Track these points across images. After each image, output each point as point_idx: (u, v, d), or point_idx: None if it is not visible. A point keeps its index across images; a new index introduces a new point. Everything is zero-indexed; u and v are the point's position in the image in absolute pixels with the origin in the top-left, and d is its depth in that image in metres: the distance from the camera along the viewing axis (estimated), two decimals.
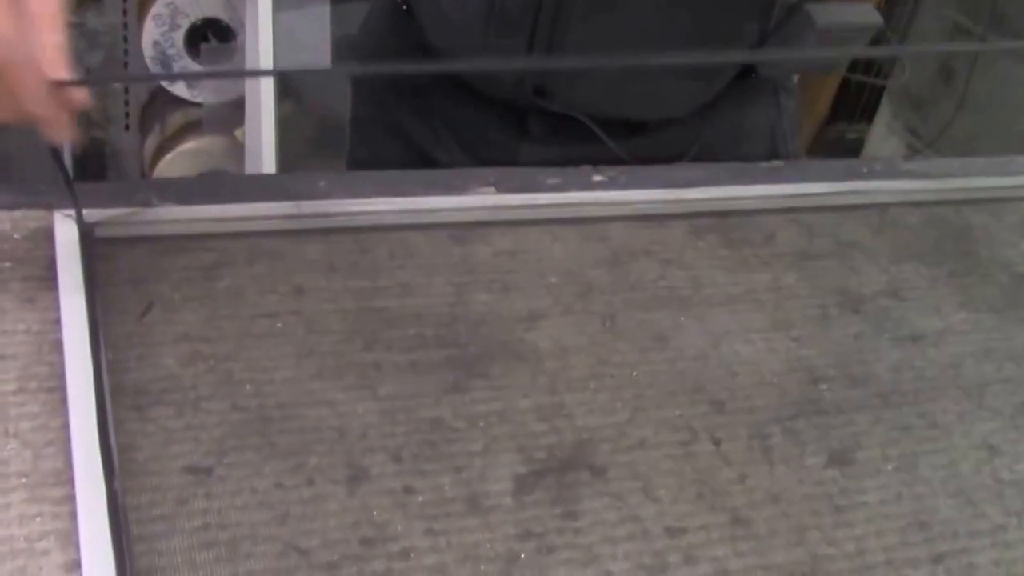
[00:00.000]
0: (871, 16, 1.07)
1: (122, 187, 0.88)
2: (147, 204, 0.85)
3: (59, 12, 0.71)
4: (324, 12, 2.01)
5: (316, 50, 2.00)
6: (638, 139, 1.13)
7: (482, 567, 0.68)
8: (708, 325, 0.89)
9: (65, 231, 0.80)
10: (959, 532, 0.78)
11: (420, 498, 0.71)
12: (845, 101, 3.07)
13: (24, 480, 0.66)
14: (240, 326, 0.79)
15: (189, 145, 2.21)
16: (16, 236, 0.81)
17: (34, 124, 0.71)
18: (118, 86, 2.28)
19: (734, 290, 0.93)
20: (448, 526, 0.70)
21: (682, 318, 0.89)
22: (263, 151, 1.90)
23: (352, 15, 1.85)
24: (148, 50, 2.14)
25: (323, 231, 0.88)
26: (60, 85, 0.69)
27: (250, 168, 1.97)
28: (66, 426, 0.68)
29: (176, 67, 2.16)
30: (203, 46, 2.15)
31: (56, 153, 0.78)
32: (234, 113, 2.15)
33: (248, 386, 0.75)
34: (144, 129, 2.30)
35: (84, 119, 2.04)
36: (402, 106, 1.23)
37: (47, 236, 0.81)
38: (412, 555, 0.67)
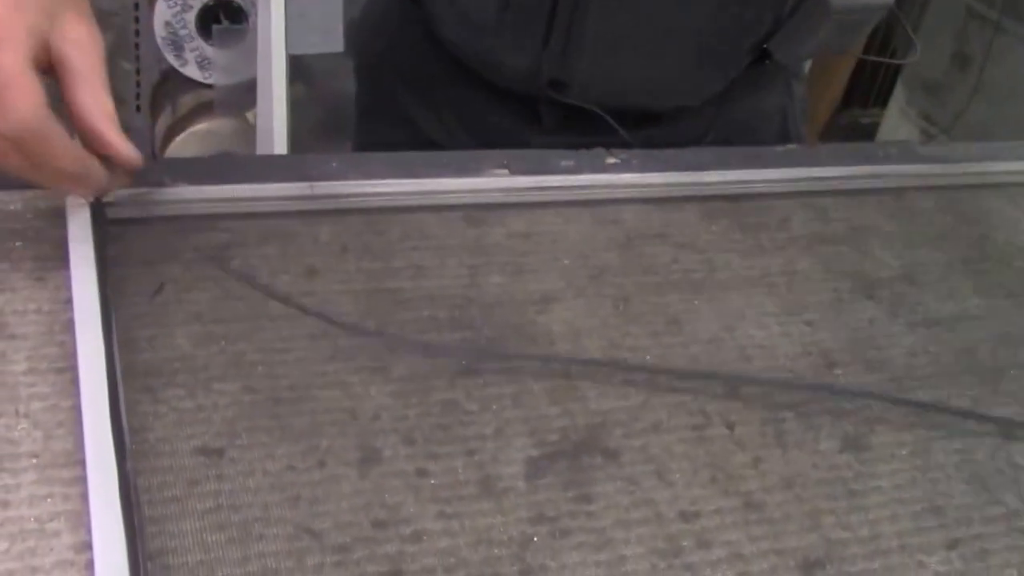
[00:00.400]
0: None
1: None
2: (159, 184, 0.85)
3: (100, 69, 0.73)
4: None
5: (328, 32, 1.99)
6: (651, 129, 1.13)
7: (495, 550, 0.68)
8: (722, 309, 0.89)
9: (77, 211, 0.80)
10: (973, 518, 0.77)
11: (432, 481, 0.71)
12: (859, 86, 3.06)
13: (35, 461, 0.65)
14: (252, 307, 0.79)
15: (200, 126, 2.21)
16: (27, 215, 0.81)
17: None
18: (129, 67, 2.27)
19: (748, 274, 0.93)
20: (461, 509, 0.69)
21: (695, 302, 0.89)
22: (275, 133, 1.90)
23: None
24: (160, 31, 2.13)
25: (336, 212, 0.87)
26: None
27: (261, 150, 1.97)
28: (77, 407, 0.68)
29: (188, 49, 2.16)
30: (215, 28, 2.14)
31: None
32: (246, 95, 2.14)
33: (260, 367, 0.75)
34: (155, 110, 2.30)
35: None
36: (409, 95, 1.22)
37: (58, 215, 0.80)
38: (424, 538, 0.67)
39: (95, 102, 0.73)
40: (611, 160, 1.01)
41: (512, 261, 0.88)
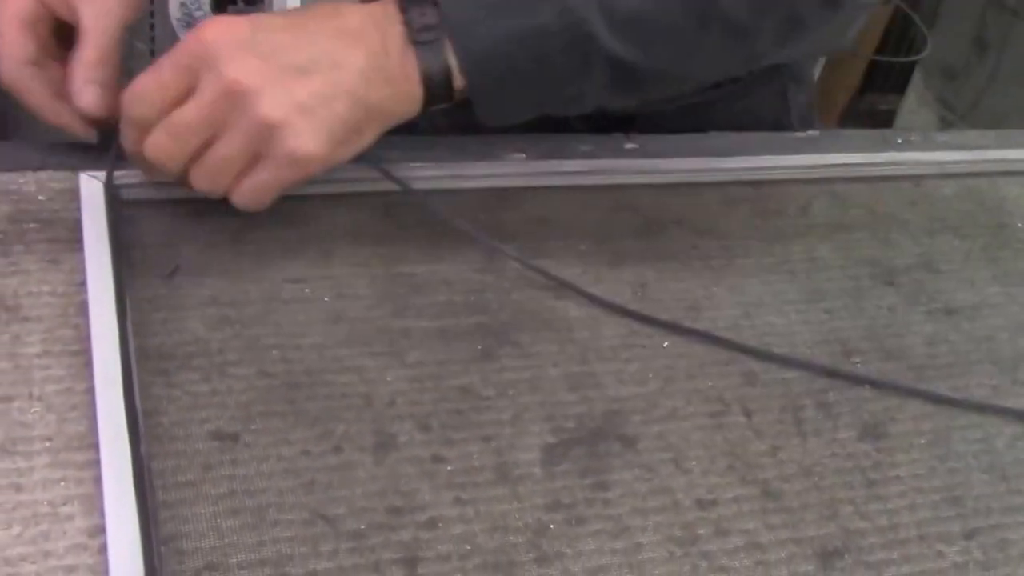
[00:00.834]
0: None
1: None
2: None
3: (106, 29, 0.80)
4: None
5: None
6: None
7: (511, 537, 0.67)
8: (740, 295, 0.88)
9: (91, 193, 0.80)
10: (992, 508, 0.77)
11: (448, 467, 0.70)
12: (876, 73, 3.05)
13: (48, 444, 0.65)
14: (267, 290, 0.79)
15: None
16: (41, 197, 0.80)
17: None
18: (144, 48, 2.27)
19: (767, 260, 0.92)
20: (477, 496, 0.69)
21: (714, 288, 0.88)
22: None
23: None
24: (175, 12, 2.13)
25: (352, 195, 0.87)
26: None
27: None
28: (91, 390, 0.67)
29: None
30: (230, 9, 2.14)
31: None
32: None
33: (275, 351, 0.75)
34: None
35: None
36: None
37: (72, 197, 0.80)
38: (440, 524, 0.67)
39: (80, 53, 0.79)
40: (629, 145, 1.00)
41: (529, 246, 0.87)
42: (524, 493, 0.70)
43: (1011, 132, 1.19)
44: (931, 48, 1.89)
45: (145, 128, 0.75)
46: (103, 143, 0.82)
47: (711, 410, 0.78)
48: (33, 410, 0.67)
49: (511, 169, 0.94)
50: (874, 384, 0.83)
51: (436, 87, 0.78)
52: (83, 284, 0.74)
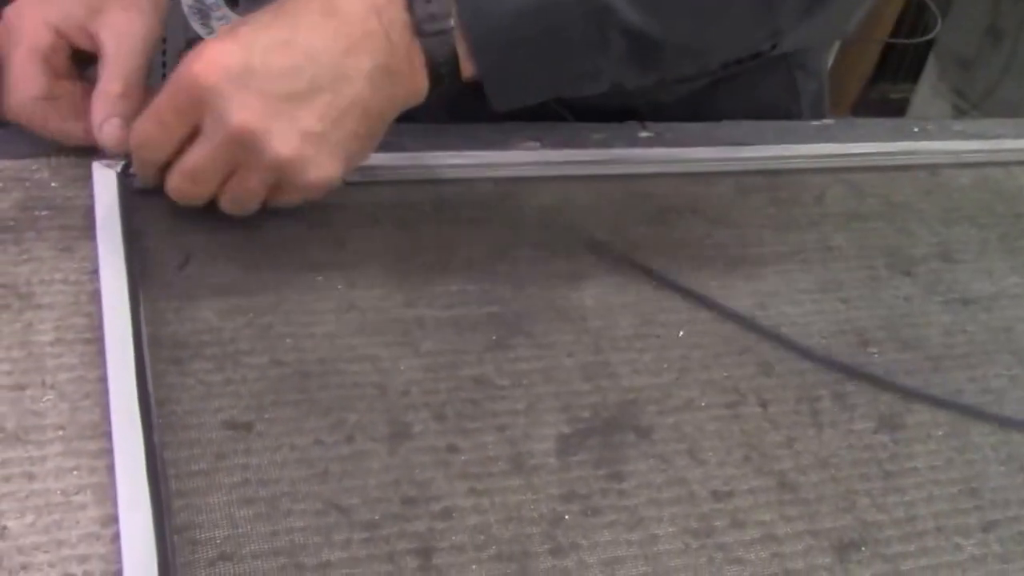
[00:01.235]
0: None
1: None
2: None
3: (129, 56, 0.81)
4: None
5: None
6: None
7: (525, 528, 0.67)
8: (755, 285, 0.88)
9: (104, 180, 0.79)
10: (1010, 500, 0.77)
11: (463, 457, 0.70)
12: (889, 61, 3.04)
13: (61, 433, 0.65)
14: (280, 279, 0.78)
15: None
16: (54, 184, 0.80)
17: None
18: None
19: (782, 250, 0.92)
20: (491, 486, 0.69)
21: (729, 277, 0.88)
22: None
23: None
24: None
25: (365, 184, 0.86)
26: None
27: None
28: (104, 378, 0.67)
29: (214, 17, 2.15)
30: None
31: None
32: None
33: (288, 340, 0.74)
34: None
35: None
36: None
37: (85, 185, 0.80)
38: (454, 515, 0.66)
39: (102, 85, 0.79)
40: (644, 134, 1.00)
41: (543, 235, 0.87)
42: (539, 483, 0.69)
43: None
44: (943, 32, 1.88)
45: (158, 168, 0.76)
46: None
47: (727, 400, 0.78)
48: (46, 398, 0.66)
49: (525, 158, 0.93)
50: (894, 387, 0.82)
51: (443, 75, 0.77)
52: (96, 272, 0.74)
